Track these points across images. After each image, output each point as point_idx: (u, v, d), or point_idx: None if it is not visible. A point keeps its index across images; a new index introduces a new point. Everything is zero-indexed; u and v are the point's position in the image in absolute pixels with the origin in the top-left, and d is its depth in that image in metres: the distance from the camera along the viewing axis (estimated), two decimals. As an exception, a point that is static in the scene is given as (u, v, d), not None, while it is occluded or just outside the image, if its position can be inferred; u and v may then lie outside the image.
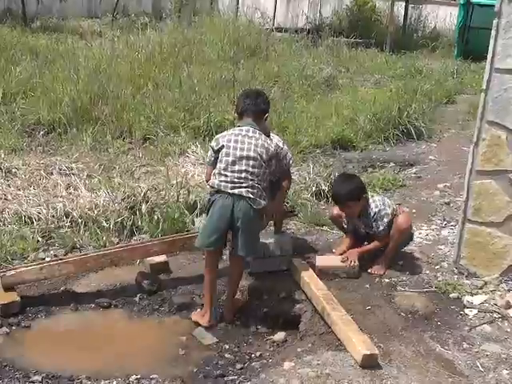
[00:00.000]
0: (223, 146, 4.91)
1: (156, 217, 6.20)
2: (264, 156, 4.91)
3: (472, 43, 18.03)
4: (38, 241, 5.95)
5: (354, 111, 10.19)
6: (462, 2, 18.88)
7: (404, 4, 21.10)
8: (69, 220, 6.23)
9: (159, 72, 11.99)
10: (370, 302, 5.05)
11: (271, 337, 4.96)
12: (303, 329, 4.93)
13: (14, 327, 4.89)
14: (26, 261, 5.68)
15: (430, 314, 4.92)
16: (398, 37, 19.79)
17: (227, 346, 4.84)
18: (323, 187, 7.18)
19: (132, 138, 9.08)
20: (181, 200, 6.44)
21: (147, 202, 6.34)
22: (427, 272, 5.53)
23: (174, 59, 12.98)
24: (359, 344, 4.28)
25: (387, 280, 5.37)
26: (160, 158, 8.28)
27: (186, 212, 6.34)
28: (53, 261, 5.22)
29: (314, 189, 7.18)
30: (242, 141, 4.90)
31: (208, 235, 4.87)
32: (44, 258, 5.76)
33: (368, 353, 4.19)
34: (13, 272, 5.04)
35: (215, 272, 5.05)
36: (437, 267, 5.61)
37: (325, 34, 17.11)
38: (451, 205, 7.05)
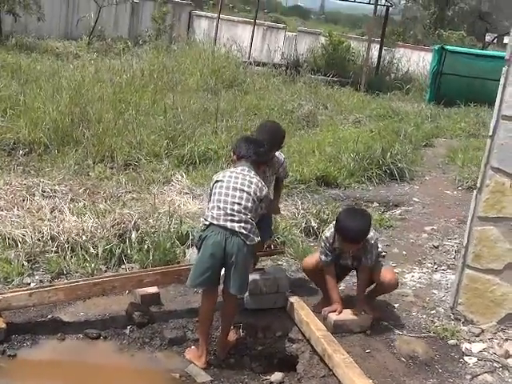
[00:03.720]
0: (218, 180, 4.81)
1: (146, 246, 6.03)
2: (258, 193, 4.81)
3: (444, 88, 18.34)
4: (23, 265, 5.70)
5: (336, 149, 10.17)
6: (436, 48, 19.24)
7: (378, 46, 21.39)
8: (55, 244, 5.99)
9: (140, 98, 11.84)
10: (370, 346, 4.95)
11: (268, 377, 4.81)
12: (301, 370, 4.81)
13: (-1, 355, 4.63)
14: (10, 285, 5.44)
15: (430, 361, 4.84)
16: (371, 77, 20.02)
17: (222, 386, 4.66)
18: (313, 224, 7.06)
19: (113, 163, 8.85)
20: (172, 230, 6.24)
21: (137, 230, 6.13)
22: (424, 316, 5.45)
23: (154, 85, 12.86)
24: (366, 390, 4.14)
25: (385, 323, 5.27)
26: (144, 185, 8.08)
27: (178, 242, 6.14)
28: (42, 287, 5.00)
29: (303, 225, 7.04)
30: (237, 176, 4.80)
31: (199, 274, 4.62)
32: (29, 283, 5.54)
33: (376, 400, 4.06)
34: (0, 297, 4.79)
35: (212, 312, 4.87)
36: (432, 312, 5.54)
37: (303, 71, 17.17)
38: (440, 248, 7.02)
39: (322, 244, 5.19)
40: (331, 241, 5.13)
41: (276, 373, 4.80)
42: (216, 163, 9.22)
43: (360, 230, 4.95)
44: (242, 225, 4.58)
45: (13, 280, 5.51)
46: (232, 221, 4.57)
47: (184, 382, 4.69)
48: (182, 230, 6.25)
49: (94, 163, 8.78)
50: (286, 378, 4.81)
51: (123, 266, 5.96)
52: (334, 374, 4.54)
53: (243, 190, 4.73)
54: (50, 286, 5.01)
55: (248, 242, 4.59)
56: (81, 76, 11.93)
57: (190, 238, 6.19)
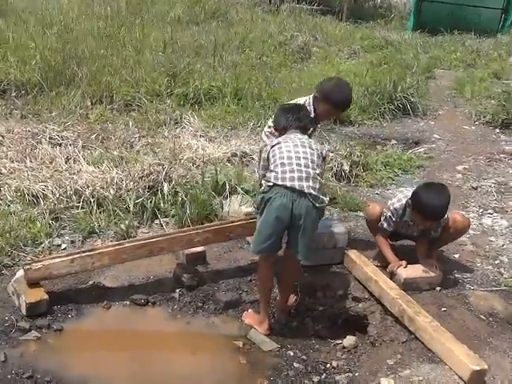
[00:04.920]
0: (274, 145, 4.29)
1: (180, 198, 5.50)
2: (319, 150, 4.37)
3: (425, 16, 17.75)
4: (50, 224, 5.15)
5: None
6: (417, -26, 18.56)
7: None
8: (80, 199, 5.43)
9: (128, 32, 11.11)
10: (443, 303, 4.60)
11: (339, 342, 4.41)
12: (374, 333, 4.42)
13: (44, 330, 4.19)
14: (39, 248, 4.91)
15: (512, 318, 4.48)
16: (351, 5, 19.30)
17: (291, 353, 4.29)
18: (345, 167, 6.62)
19: (113, 104, 8.23)
20: (206, 179, 5.72)
21: (170, 181, 5.59)
22: (489, 267, 5.13)
23: (140, 18, 12.09)
24: (464, 357, 3.79)
25: (451, 277, 4.90)
26: (153, 127, 7.51)
27: (213, 194, 5.64)
28: (84, 251, 4.47)
29: (334, 169, 6.60)
30: (293, 138, 4.31)
31: (264, 239, 4.13)
32: (60, 245, 5.06)
33: (478, 368, 3.72)
34: (39, 265, 4.29)
35: (272, 278, 4.43)
36: (496, 262, 5.21)
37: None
38: (479, 190, 6.68)
39: (389, 214, 4.79)
40: (400, 213, 4.74)
41: (348, 337, 4.41)
42: (222, 101, 8.66)
43: (443, 206, 4.54)
44: (311, 184, 4.07)
45: (41, 242, 5.00)
46: (300, 179, 4.06)
47: (249, 350, 4.28)
48: (219, 179, 5.71)
49: (91, 104, 8.10)
50: (358, 341, 4.38)
51: (156, 221, 5.48)
52: (417, 338, 4.13)
53: (305, 146, 4.26)
54: (93, 250, 4.49)
55: (317, 205, 4.10)
56: (66, 9, 11.00)
57: (227, 188, 5.67)
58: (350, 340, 4.38)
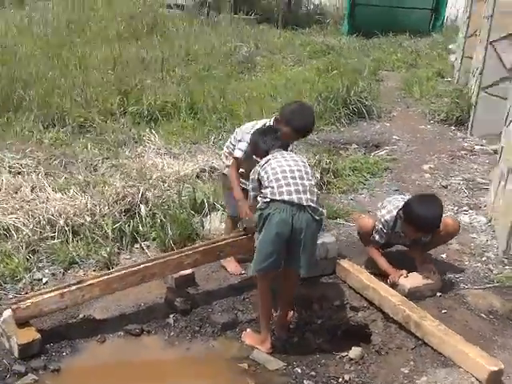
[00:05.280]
0: (268, 159, 4.21)
1: (159, 220, 5.33)
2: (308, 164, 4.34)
3: (359, 19, 17.91)
4: (28, 258, 4.91)
5: (297, 91, 9.60)
6: (349, -22, 18.73)
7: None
8: (55, 229, 5.19)
9: (69, 51, 10.83)
10: (443, 305, 4.57)
11: (344, 354, 4.33)
12: (379, 341, 4.35)
13: (40, 372, 3.99)
14: (20, 284, 4.68)
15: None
16: (285, 13, 19.32)
17: (299, 370, 4.20)
18: (316, 175, 6.54)
19: (66, 127, 7.97)
20: (184, 198, 5.57)
21: (146, 203, 5.41)
22: (478, 265, 5.14)
23: (79, 37, 11.81)
24: (480, 359, 3.75)
25: (445, 278, 4.88)
26: (113, 148, 7.29)
27: (192, 212, 5.49)
28: (73, 285, 4.26)
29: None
30: (282, 154, 4.29)
31: (266, 257, 4.02)
32: (41, 279, 4.84)
33: (495, 369, 3.70)
34: (28, 303, 4.06)
35: (271, 294, 4.29)
36: (483, 258, 5.23)
37: (223, 9, 16.35)
38: (449, 188, 6.71)
39: (380, 226, 4.72)
40: (391, 224, 4.67)
41: (353, 348, 4.34)
42: (178, 117, 8.50)
43: (437, 218, 4.50)
44: (309, 196, 4.00)
45: (22, 278, 4.75)
46: (297, 192, 3.98)
47: (255, 371, 4.16)
48: (197, 197, 5.56)
49: (44, 128, 7.85)
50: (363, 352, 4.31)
51: (137, 246, 5.30)
52: (425, 343, 4.08)
53: (295, 160, 4.23)
54: (81, 283, 4.27)
55: (317, 217, 4.03)
56: (4, 31, 10.65)
57: (206, 206, 5.54)
58: (355, 351, 4.31)
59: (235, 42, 13.17)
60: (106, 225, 5.25)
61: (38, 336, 4.06)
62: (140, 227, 5.34)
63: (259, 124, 4.75)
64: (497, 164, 6.06)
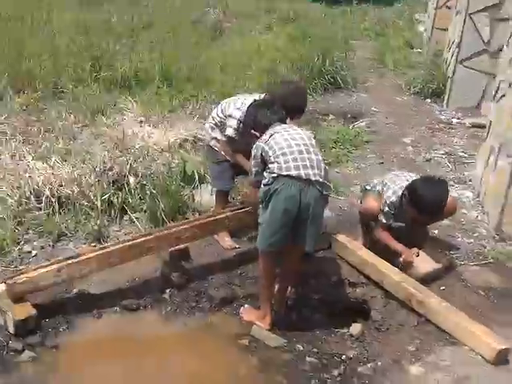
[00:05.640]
0: (271, 134, 4.06)
1: (149, 192, 5.19)
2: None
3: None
4: (15, 230, 4.73)
5: (271, 60, 9.48)
6: None
7: None
8: (42, 200, 5.01)
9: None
10: (441, 282, 4.55)
11: (345, 330, 4.29)
12: (379, 318, 4.32)
13: (38, 349, 3.84)
14: (9, 257, 4.51)
15: (509, 291, 4.51)
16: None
17: (300, 347, 4.14)
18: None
19: (38, 93, 7.68)
20: (173, 169, 5.43)
21: (136, 174, 5.26)
22: (471, 241, 5.16)
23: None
24: (486, 337, 3.77)
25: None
26: (90, 115, 7.07)
27: (182, 184, 5.36)
28: (69, 259, 4.11)
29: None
30: (285, 128, 4.15)
31: (273, 233, 3.91)
32: (30, 251, 4.67)
33: (503, 347, 3.72)
34: (24, 278, 3.92)
35: (275, 271, 4.23)
36: (475, 234, 5.26)
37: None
38: (432, 162, 6.72)
39: (387, 208, 4.60)
40: (397, 205, 4.56)
41: (354, 324, 4.30)
42: (152, 84, 8.28)
43: (443, 203, 4.40)
44: (316, 171, 3.91)
45: (10, 251, 4.58)
46: (305, 167, 3.88)
47: (256, 348, 4.09)
48: (187, 169, 5.42)
49: (14, 94, 7.56)
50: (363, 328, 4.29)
51: (126, 218, 5.15)
52: (428, 320, 4.07)
53: (299, 133, 4.11)
54: (78, 256, 4.13)
55: (324, 192, 3.95)
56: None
57: (196, 178, 5.42)
58: (356, 328, 4.28)
59: (202, 7, 12.86)
60: (94, 196, 5.07)
61: (34, 311, 3.93)
62: (129, 199, 5.16)
63: (248, 100, 4.59)
64: (483, 139, 6.06)
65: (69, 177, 5.25)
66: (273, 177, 3.88)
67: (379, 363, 3.85)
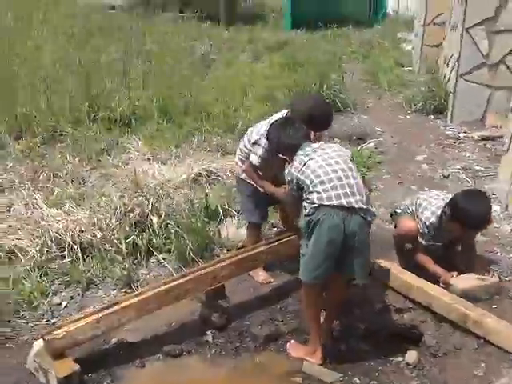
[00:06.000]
0: (302, 161, 3.85)
1: (173, 231, 4.99)
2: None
3: (299, 13, 17.80)
4: (40, 281, 4.51)
5: (267, 88, 9.37)
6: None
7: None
8: (64, 248, 4.81)
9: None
10: (490, 300, 4.41)
11: (399, 359, 4.10)
12: (433, 343, 4.13)
13: (86, 408, 3.58)
14: (39, 311, 4.29)
15: None
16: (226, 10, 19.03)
17: (357, 380, 3.94)
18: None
19: (36, 138, 7.48)
20: (196, 206, 5.25)
21: (158, 214, 5.07)
22: (511, 256, 4.98)
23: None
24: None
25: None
26: (94, 157, 6.89)
27: (206, 220, 5.18)
28: (106, 308, 3.90)
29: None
30: (322, 148, 3.94)
31: (317, 266, 3.73)
32: (60, 303, 4.43)
33: None
34: (63, 332, 3.68)
35: (320, 302, 4.05)
36: (515, 248, 5.08)
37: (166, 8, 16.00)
38: (450, 178, 6.59)
39: (426, 230, 4.46)
40: (437, 226, 4.43)
41: (409, 352, 4.10)
42: (151, 121, 8.12)
43: (488, 215, 4.30)
44: (358, 197, 3.73)
45: (39, 304, 4.35)
46: (346, 195, 3.70)
47: (313, 385, 3.87)
48: (210, 204, 5.24)
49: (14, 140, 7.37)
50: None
51: (152, 260, 4.94)
52: (487, 341, 3.90)
53: (333, 157, 3.87)
54: (115, 305, 3.91)
55: (369, 219, 3.78)
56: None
57: (221, 212, 5.24)
58: (412, 355, 4.08)
59: (189, 40, 12.78)
60: (118, 239, 4.87)
61: (77, 367, 3.69)
62: (154, 240, 4.96)
63: (271, 121, 4.45)
64: (494, 151, 5.96)
65: (88, 222, 5.02)
66: (313, 207, 3.70)
67: (447, 396, 3.64)
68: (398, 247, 4.79)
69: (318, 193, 3.69)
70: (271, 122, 4.36)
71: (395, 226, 4.82)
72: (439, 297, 4.19)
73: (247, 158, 4.49)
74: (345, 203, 3.66)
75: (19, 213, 5.31)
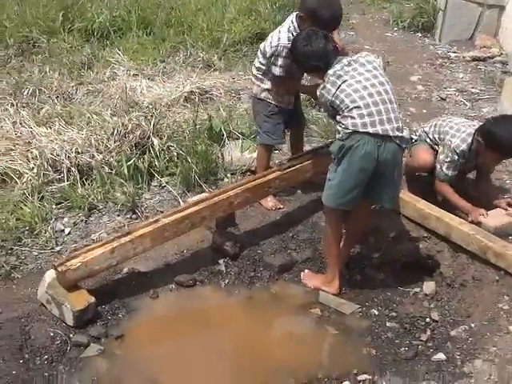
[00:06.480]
0: (335, 83, 3.60)
1: (176, 154, 4.76)
2: (380, 64, 3.80)
3: None
4: (41, 206, 4.27)
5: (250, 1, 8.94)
6: None
7: None
8: (61, 170, 4.54)
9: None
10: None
11: (417, 289, 4.04)
12: (450, 274, 4.05)
13: (103, 340, 3.43)
14: (42, 238, 4.08)
15: None
16: None
17: (376, 312, 3.91)
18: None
19: (7, 49, 7.04)
20: (198, 127, 5.00)
21: (159, 135, 4.81)
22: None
23: None
24: None
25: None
26: (76, 71, 6.50)
27: (209, 143, 4.95)
28: (120, 237, 3.69)
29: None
30: (349, 71, 3.63)
31: (346, 192, 3.63)
32: (63, 230, 4.19)
33: None
34: (78, 263, 3.48)
35: (342, 229, 3.95)
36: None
37: None
38: (447, 100, 6.43)
39: (456, 157, 4.21)
40: (467, 154, 4.21)
41: (426, 282, 4.05)
42: (131, 33, 7.68)
43: None
44: (394, 124, 3.54)
45: (41, 230, 4.10)
46: (381, 122, 3.51)
47: (330, 317, 3.81)
48: (214, 126, 4.99)
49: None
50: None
51: (154, 184, 4.71)
52: (509, 274, 3.83)
53: (375, 76, 3.63)
54: (130, 234, 3.71)
55: (404, 146, 3.64)
56: None
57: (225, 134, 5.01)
58: (430, 286, 4.04)
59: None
60: (118, 162, 4.61)
61: (93, 299, 3.54)
62: (155, 163, 4.72)
63: (283, 31, 4.12)
64: (488, 72, 5.80)
65: (83, 142, 4.73)
66: (347, 132, 3.52)
67: (472, 325, 3.59)
68: (409, 176, 4.64)
69: (353, 118, 3.51)
70: (281, 35, 4.09)
71: (410, 155, 4.62)
72: (458, 226, 4.07)
73: (266, 73, 4.22)
74: (380, 131, 3.50)
75: (6, 130, 4.95)
